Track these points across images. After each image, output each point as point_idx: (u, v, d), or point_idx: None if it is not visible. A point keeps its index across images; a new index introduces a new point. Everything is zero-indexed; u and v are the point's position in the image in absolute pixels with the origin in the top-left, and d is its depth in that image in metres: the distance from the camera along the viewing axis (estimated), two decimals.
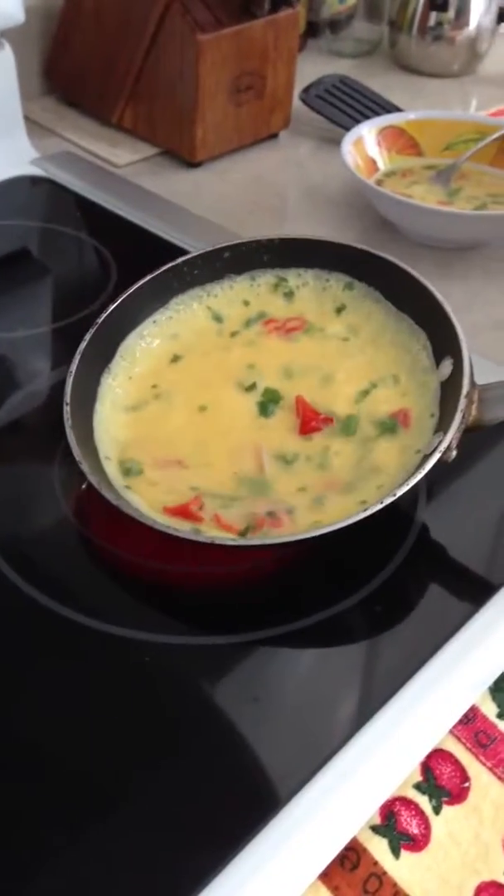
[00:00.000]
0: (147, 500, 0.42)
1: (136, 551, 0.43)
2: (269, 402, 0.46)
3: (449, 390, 0.42)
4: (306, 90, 0.85)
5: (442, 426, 0.41)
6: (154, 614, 0.41)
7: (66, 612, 0.40)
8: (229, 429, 0.45)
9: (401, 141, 0.74)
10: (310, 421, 0.44)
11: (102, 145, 0.81)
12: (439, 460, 0.39)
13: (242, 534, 0.40)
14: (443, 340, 0.44)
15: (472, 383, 0.41)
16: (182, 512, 0.41)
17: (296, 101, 0.83)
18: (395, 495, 0.38)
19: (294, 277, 0.50)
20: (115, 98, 0.80)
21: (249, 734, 0.36)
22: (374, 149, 0.73)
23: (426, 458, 0.39)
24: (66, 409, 0.43)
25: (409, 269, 0.47)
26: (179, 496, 0.42)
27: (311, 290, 0.50)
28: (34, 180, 0.76)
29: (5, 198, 0.74)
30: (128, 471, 0.44)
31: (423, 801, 0.36)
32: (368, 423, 0.43)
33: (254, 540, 0.40)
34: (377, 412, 0.44)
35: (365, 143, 0.72)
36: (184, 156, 0.78)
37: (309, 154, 0.83)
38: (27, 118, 0.81)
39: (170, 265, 0.51)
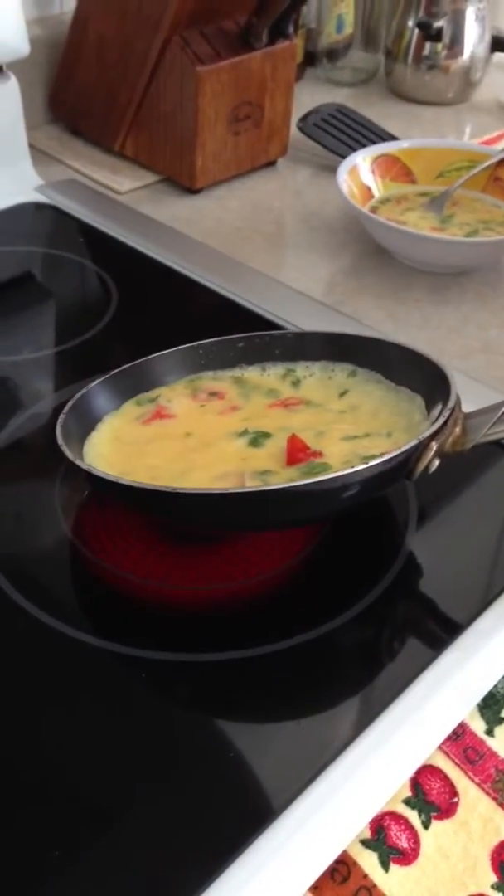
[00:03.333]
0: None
1: (134, 569, 0.44)
2: (259, 437, 0.47)
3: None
4: (304, 118, 0.87)
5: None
6: (150, 631, 0.42)
7: (64, 628, 0.41)
8: (215, 460, 0.46)
9: (395, 169, 0.76)
10: (298, 452, 0.45)
11: (105, 172, 0.83)
12: (422, 471, 0.41)
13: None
14: (434, 392, 0.45)
15: (459, 408, 0.43)
16: None
17: (293, 130, 0.85)
18: (366, 463, 0.39)
19: (302, 369, 0.53)
20: (117, 127, 0.82)
21: (240, 750, 0.37)
22: (368, 176, 0.75)
23: (405, 447, 0.40)
24: (62, 418, 0.46)
25: (399, 342, 0.50)
26: None
27: (317, 380, 0.52)
28: (38, 207, 0.78)
29: (10, 224, 0.76)
30: None
31: (413, 816, 0.37)
32: (357, 458, 0.44)
33: (272, 485, 0.40)
34: (367, 451, 0.44)
35: (360, 171, 0.74)
36: (184, 183, 0.80)
37: (306, 181, 0.85)
38: (32, 146, 0.83)
39: (186, 346, 0.53)
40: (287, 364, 0.53)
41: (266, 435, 0.47)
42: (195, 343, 0.53)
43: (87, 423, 0.49)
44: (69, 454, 0.43)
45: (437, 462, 0.41)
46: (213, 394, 0.52)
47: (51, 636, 0.41)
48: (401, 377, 0.49)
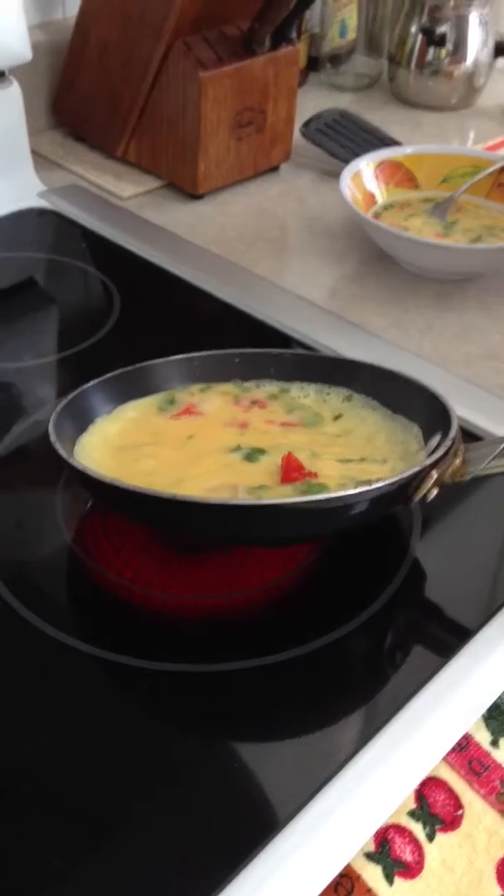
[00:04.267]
0: None
1: (135, 579, 0.44)
2: (255, 453, 0.46)
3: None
4: (307, 124, 0.87)
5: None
6: (153, 641, 0.42)
7: (64, 637, 0.41)
8: (209, 472, 0.45)
9: (398, 174, 0.76)
10: (293, 471, 0.44)
11: (108, 178, 0.83)
12: (419, 499, 0.41)
13: None
14: (433, 422, 0.46)
15: (460, 439, 0.43)
16: None
17: (296, 135, 0.85)
18: (369, 485, 0.39)
19: (297, 389, 0.52)
20: (120, 133, 0.82)
21: (242, 762, 0.37)
22: (371, 182, 0.75)
23: (407, 472, 0.40)
24: (54, 417, 0.45)
25: (397, 370, 0.49)
26: None
27: (312, 402, 0.52)
28: (41, 212, 0.78)
29: (13, 230, 0.76)
30: None
31: (417, 829, 0.37)
32: (352, 482, 0.43)
33: (265, 500, 0.40)
34: (362, 476, 0.44)
35: (363, 176, 0.74)
36: (186, 188, 0.80)
37: (309, 187, 0.84)
38: (35, 152, 0.83)
39: (183, 356, 0.53)
40: (282, 383, 0.53)
41: (261, 451, 0.46)
42: (191, 354, 0.53)
43: (79, 424, 0.48)
44: (62, 452, 0.42)
45: (435, 491, 0.42)
46: (255, 402, 0.52)
47: (51, 645, 0.41)
48: (398, 405, 0.49)
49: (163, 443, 0.48)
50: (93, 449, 0.47)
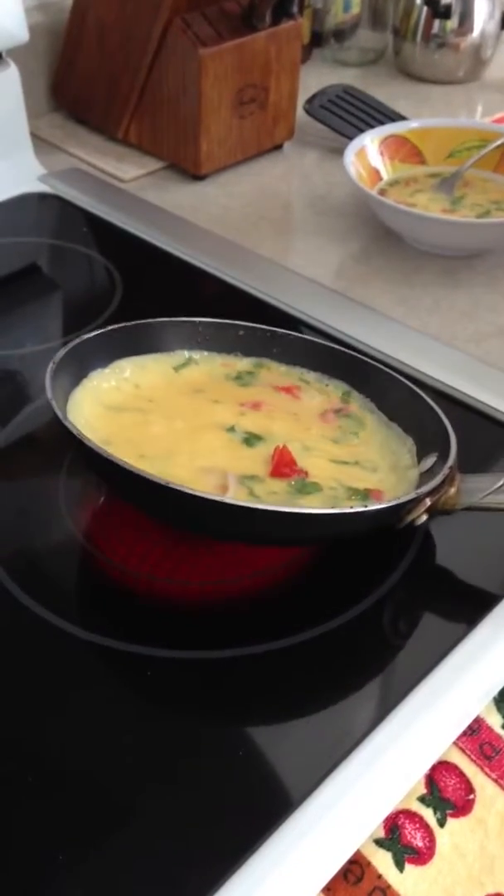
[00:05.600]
0: None
1: (139, 565, 0.44)
2: (253, 438, 0.45)
3: (429, 476, 0.43)
4: (310, 101, 0.86)
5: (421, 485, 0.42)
6: (156, 628, 0.41)
7: (67, 626, 0.40)
8: (202, 449, 0.44)
9: (404, 150, 0.74)
10: (283, 467, 0.43)
11: (109, 160, 0.82)
12: (408, 524, 0.40)
13: None
14: (429, 441, 0.45)
15: (456, 467, 0.42)
16: None
17: (300, 112, 0.84)
18: (364, 507, 0.38)
19: (297, 376, 0.51)
20: (120, 114, 0.81)
21: (250, 748, 0.36)
22: (376, 158, 0.73)
23: (402, 499, 0.39)
24: (51, 367, 0.44)
25: (403, 380, 0.48)
26: None
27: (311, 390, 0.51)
28: (42, 197, 0.77)
29: (14, 215, 0.75)
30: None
31: (428, 814, 0.36)
32: (342, 486, 0.43)
33: (227, 499, 0.39)
34: (352, 482, 0.43)
35: (367, 152, 0.73)
36: (188, 169, 0.79)
37: (314, 165, 0.83)
38: (35, 135, 0.82)
39: (187, 319, 0.52)
40: (284, 366, 0.52)
41: (258, 438, 0.46)
42: (195, 319, 0.52)
43: (75, 377, 0.47)
44: (59, 412, 0.41)
45: (425, 517, 0.41)
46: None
47: (53, 633, 0.40)
48: (395, 412, 0.48)
49: (161, 409, 0.47)
50: (85, 405, 0.46)
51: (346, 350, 0.51)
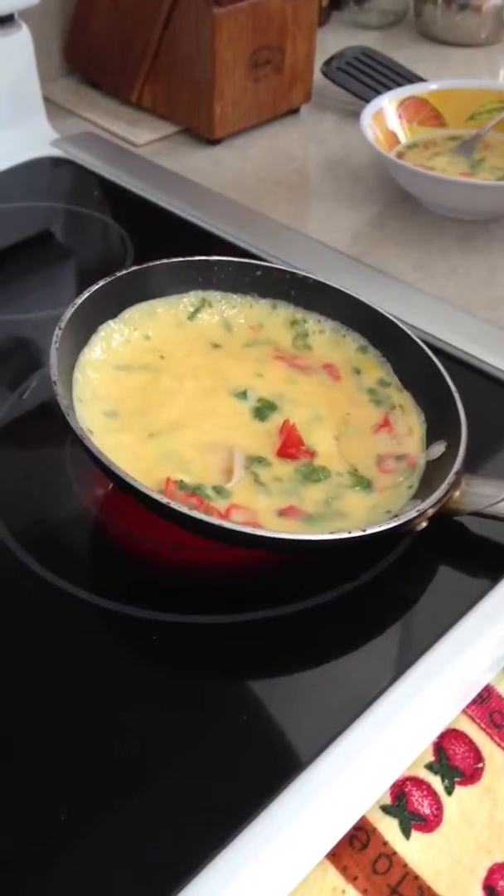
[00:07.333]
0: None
1: (146, 531, 0.43)
2: (265, 409, 0.45)
3: (435, 469, 0.41)
4: (328, 63, 0.84)
5: (420, 495, 0.40)
6: (163, 593, 0.41)
7: (75, 590, 0.40)
8: (210, 420, 0.44)
9: (423, 112, 0.73)
10: (290, 447, 0.43)
11: (122, 125, 0.81)
12: (409, 526, 0.38)
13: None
14: (442, 425, 0.43)
15: (463, 468, 0.40)
16: None
17: (317, 75, 0.82)
18: (363, 531, 0.37)
19: (313, 322, 0.50)
20: (133, 77, 0.80)
21: (256, 713, 0.36)
22: (394, 121, 0.71)
23: (401, 518, 0.38)
24: (58, 333, 0.43)
25: (427, 350, 0.46)
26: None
27: (326, 340, 0.49)
28: (54, 161, 0.76)
29: (26, 179, 0.74)
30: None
31: (436, 782, 0.36)
32: (346, 472, 0.42)
33: (209, 518, 0.37)
34: (359, 460, 0.43)
35: (385, 115, 0.71)
36: (202, 133, 0.78)
37: (331, 128, 0.81)
38: (48, 99, 0.81)
39: (202, 258, 0.50)
40: (300, 310, 0.50)
41: (272, 406, 0.45)
42: (210, 258, 0.50)
43: (84, 336, 0.46)
44: (62, 403, 0.40)
45: (426, 522, 0.39)
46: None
47: (61, 597, 0.40)
48: (410, 379, 0.46)
49: (172, 368, 0.46)
50: (92, 369, 0.45)
51: (369, 303, 0.49)
